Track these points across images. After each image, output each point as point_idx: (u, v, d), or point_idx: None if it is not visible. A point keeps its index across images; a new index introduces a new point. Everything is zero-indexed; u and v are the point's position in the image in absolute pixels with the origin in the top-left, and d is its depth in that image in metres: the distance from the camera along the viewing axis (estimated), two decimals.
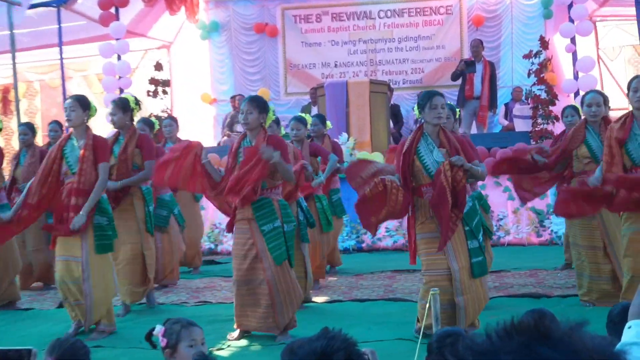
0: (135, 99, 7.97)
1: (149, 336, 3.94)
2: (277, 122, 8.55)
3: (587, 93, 7.39)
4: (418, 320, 6.21)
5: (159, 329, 3.90)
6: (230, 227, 6.58)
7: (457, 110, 8.04)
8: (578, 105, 8.29)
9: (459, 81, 14.81)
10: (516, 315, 1.28)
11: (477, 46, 14.62)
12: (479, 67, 14.42)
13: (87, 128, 6.88)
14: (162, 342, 3.82)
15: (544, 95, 14.47)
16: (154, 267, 8.16)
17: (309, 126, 8.97)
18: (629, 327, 2.03)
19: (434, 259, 6.03)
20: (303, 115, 8.99)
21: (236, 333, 6.54)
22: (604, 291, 7.19)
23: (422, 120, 6.17)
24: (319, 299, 8.15)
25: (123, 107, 7.81)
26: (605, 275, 7.21)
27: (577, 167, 7.32)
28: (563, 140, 7.49)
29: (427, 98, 6.09)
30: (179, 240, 9.35)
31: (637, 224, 6.34)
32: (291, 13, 17.98)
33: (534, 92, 14.64)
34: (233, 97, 16.31)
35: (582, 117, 7.47)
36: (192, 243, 10.35)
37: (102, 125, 14.73)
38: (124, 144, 7.78)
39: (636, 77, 6.38)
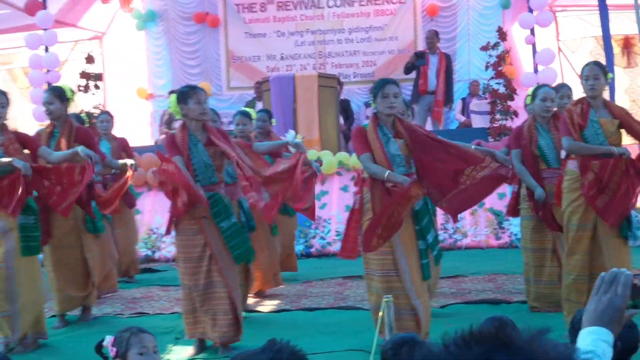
0: (71, 89, 7.83)
1: (99, 348, 3.93)
2: (242, 113, 8.58)
3: (541, 86, 7.49)
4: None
5: (108, 339, 3.89)
6: (170, 230, 6.49)
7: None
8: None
9: (414, 75, 14.88)
10: (475, 323, 1.28)
11: (432, 37, 14.68)
12: (434, 60, 14.49)
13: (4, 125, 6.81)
14: (112, 352, 3.82)
15: (502, 89, 14.61)
16: (98, 271, 8.06)
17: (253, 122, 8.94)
18: (584, 335, 2.05)
19: (384, 258, 6.04)
20: (248, 109, 8.96)
21: (192, 348, 6.48)
22: (551, 295, 7.30)
23: (376, 110, 6.20)
24: (265, 308, 8.13)
25: (60, 96, 7.61)
26: (552, 278, 7.31)
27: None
28: (517, 141, 7.46)
29: (379, 87, 6.13)
30: (110, 244, 9.16)
31: (583, 221, 6.42)
32: (234, 2, 17.91)
33: (491, 86, 14.77)
34: (171, 92, 16.18)
35: (531, 114, 7.52)
36: (126, 250, 10.22)
37: (27, 122, 14.53)
38: (59, 138, 7.57)
39: (587, 64, 6.53)
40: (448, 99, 14.63)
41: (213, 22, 17.87)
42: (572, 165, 6.53)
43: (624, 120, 6.37)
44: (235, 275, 6.38)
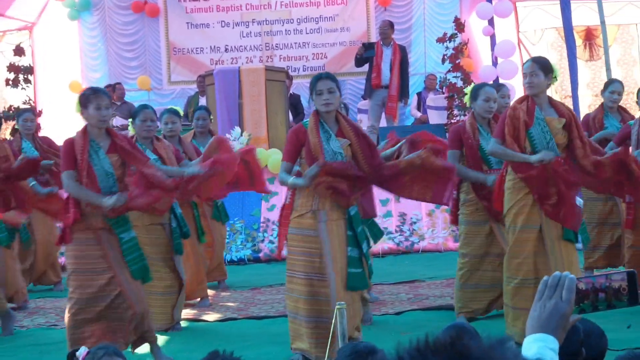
0: None
1: (71, 358, 3.93)
2: (170, 111, 8.53)
3: (481, 86, 7.51)
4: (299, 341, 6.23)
5: (82, 351, 3.92)
6: (66, 239, 6.24)
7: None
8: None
9: (367, 68, 14.88)
10: (432, 332, 1.28)
11: (386, 28, 14.65)
12: (388, 52, 14.47)
13: None
14: None
15: (459, 83, 14.70)
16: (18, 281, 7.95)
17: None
18: (530, 342, 2.07)
19: (312, 260, 6.05)
20: (175, 107, 8.91)
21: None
22: (472, 301, 7.35)
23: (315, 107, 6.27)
24: (209, 317, 8.09)
25: None
26: (481, 282, 7.36)
27: None
28: (457, 141, 7.45)
29: (313, 83, 6.20)
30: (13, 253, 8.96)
31: (528, 222, 6.48)
32: None
33: (449, 80, 14.86)
34: (109, 87, 16.04)
35: (471, 112, 7.57)
36: (46, 256, 10.10)
37: None
38: None
39: (527, 61, 6.62)
40: (403, 93, 14.61)
41: (152, 12, 17.75)
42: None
43: (569, 120, 6.42)
44: (137, 287, 6.30)
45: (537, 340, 2.04)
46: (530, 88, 6.49)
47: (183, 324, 7.83)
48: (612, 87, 8.98)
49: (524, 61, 6.69)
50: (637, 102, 8.74)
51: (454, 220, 7.78)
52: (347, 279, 6.07)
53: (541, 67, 6.47)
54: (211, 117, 9.55)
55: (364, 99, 15.61)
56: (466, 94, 7.57)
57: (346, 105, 8.30)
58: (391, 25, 14.72)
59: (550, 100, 6.58)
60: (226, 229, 10.11)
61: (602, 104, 9.08)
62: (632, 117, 8.84)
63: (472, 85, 7.70)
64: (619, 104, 9.10)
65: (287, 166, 6.17)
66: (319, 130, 6.13)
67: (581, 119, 9.11)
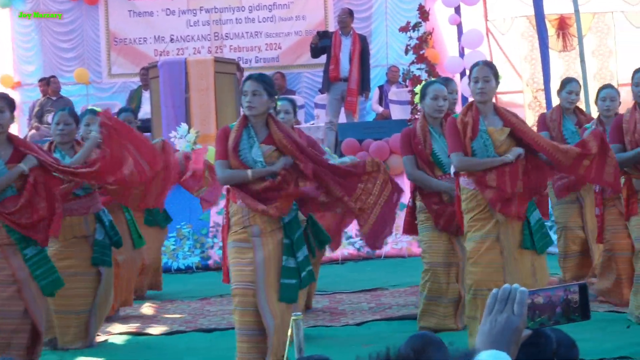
0: None
1: None
2: (92, 112, 8.42)
3: (430, 83, 7.53)
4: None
5: None
6: None
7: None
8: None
9: (324, 60, 14.86)
10: (394, 344, 1.28)
11: (345, 17, 14.61)
12: (347, 43, 14.43)
13: None
14: None
15: (424, 75, 14.75)
16: None
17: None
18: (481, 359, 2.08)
19: (242, 269, 6.14)
20: (95, 107, 8.84)
21: None
22: (425, 312, 7.41)
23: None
24: (154, 330, 8.05)
25: None
26: (436, 294, 7.40)
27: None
28: (408, 146, 7.47)
29: (242, 83, 6.32)
30: None
31: (484, 230, 6.53)
32: None
33: (412, 72, 14.91)
34: (43, 80, 15.91)
35: (422, 113, 7.60)
36: None
37: None
38: None
39: (476, 64, 6.64)
40: (363, 87, 14.61)
41: None
42: (464, 182, 6.58)
43: (515, 128, 6.40)
44: (43, 303, 6.31)
45: (489, 357, 2.05)
46: (483, 95, 6.46)
47: (125, 337, 7.80)
48: (570, 87, 8.93)
49: (473, 64, 6.64)
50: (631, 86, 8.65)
51: (409, 230, 7.81)
52: (280, 289, 6.14)
53: (494, 73, 6.50)
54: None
55: (322, 93, 15.59)
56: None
57: (293, 101, 8.26)
58: (350, 13, 14.70)
59: (495, 108, 6.55)
60: (166, 234, 10.05)
61: (559, 104, 9.05)
62: (589, 120, 8.85)
63: (422, 83, 7.73)
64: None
65: (224, 163, 6.25)
66: (240, 136, 6.24)
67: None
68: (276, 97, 6.47)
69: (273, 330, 6.03)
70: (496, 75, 6.48)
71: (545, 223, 6.82)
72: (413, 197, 7.59)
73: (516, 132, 6.40)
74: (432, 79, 7.89)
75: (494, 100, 6.70)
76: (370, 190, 6.46)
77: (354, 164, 6.72)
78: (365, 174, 6.46)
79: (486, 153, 6.40)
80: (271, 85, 6.30)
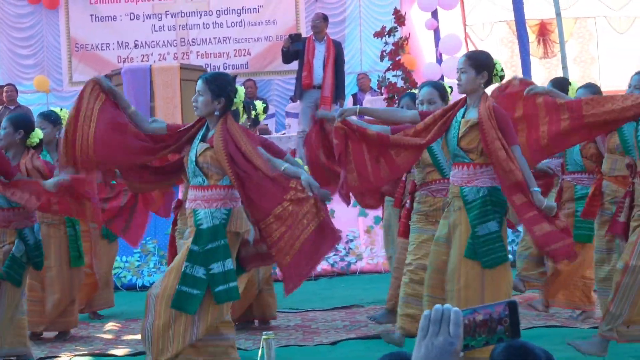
0: None
1: None
2: (51, 120, 8.37)
3: (421, 85, 7.65)
4: None
5: None
6: None
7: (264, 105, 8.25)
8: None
9: (297, 66, 14.78)
10: None
11: (319, 21, 14.55)
12: (321, 48, 14.37)
13: None
14: None
15: (400, 83, 14.77)
16: None
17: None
18: None
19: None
20: (53, 110, 8.79)
21: None
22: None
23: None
24: (118, 351, 7.98)
25: None
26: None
27: (419, 178, 7.55)
28: None
29: None
30: None
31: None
32: None
33: (388, 79, 14.91)
34: (0, 88, 15.81)
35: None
36: None
37: None
38: None
39: (420, 86, 6.87)
40: (338, 94, 14.57)
41: (51, 3, 17.55)
42: None
43: (481, 123, 6.44)
44: None
45: None
46: (458, 86, 6.65)
47: (87, 359, 7.73)
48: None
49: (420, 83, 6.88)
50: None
51: (405, 233, 7.83)
52: (174, 295, 6.20)
53: (473, 64, 6.59)
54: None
55: (294, 101, 15.55)
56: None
57: (251, 105, 8.28)
58: (325, 18, 14.65)
59: (482, 99, 6.62)
60: (116, 248, 9.95)
61: None
62: None
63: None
64: None
65: None
66: (195, 134, 6.46)
67: None
68: (235, 99, 6.48)
69: (151, 331, 6.19)
70: (477, 66, 6.59)
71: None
72: (411, 199, 7.62)
73: (479, 128, 6.46)
74: (422, 83, 7.92)
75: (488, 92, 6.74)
76: (296, 214, 6.40)
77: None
78: (291, 190, 6.40)
79: (452, 143, 6.55)
80: (221, 86, 6.39)
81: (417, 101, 7.39)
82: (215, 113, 6.37)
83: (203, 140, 6.36)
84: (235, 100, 6.48)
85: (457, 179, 6.58)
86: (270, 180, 6.28)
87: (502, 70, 6.71)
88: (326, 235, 6.47)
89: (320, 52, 14.18)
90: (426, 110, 7.03)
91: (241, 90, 6.63)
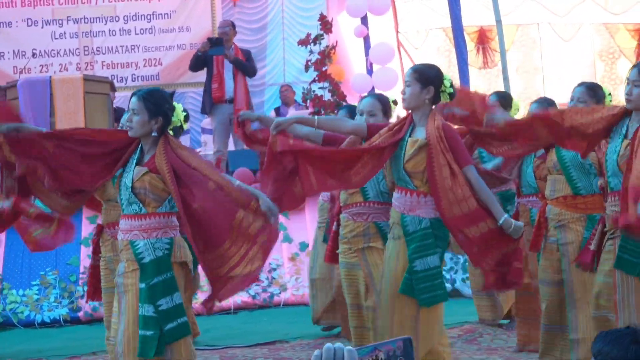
0: None
1: None
2: None
3: (363, 98, 7.72)
4: None
5: None
6: None
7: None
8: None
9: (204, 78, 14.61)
10: None
11: (228, 28, 14.50)
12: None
13: None
14: None
15: (327, 95, 14.81)
16: None
17: None
18: None
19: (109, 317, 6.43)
20: None
21: None
22: None
23: None
24: None
25: None
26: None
27: (343, 199, 7.60)
28: None
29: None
30: None
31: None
32: None
33: (313, 91, 14.95)
34: None
35: None
36: None
37: None
38: None
39: (361, 98, 6.93)
40: (252, 108, 14.62)
41: None
42: None
43: (429, 146, 6.52)
44: None
45: None
46: (403, 101, 6.74)
47: None
48: None
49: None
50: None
51: (332, 258, 7.87)
52: (139, 342, 6.19)
53: (419, 77, 6.69)
54: None
55: (202, 114, 15.33)
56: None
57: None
58: (233, 25, 14.65)
59: (430, 117, 6.68)
60: None
61: None
62: None
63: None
64: None
65: None
66: (130, 156, 6.40)
67: None
68: (172, 117, 6.45)
69: None
70: (424, 80, 6.69)
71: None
72: (338, 222, 7.64)
73: (428, 148, 6.51)
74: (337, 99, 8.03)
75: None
76: (245, 231, 6.39)
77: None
78: (249, 209, 6.38)
79: (397, 164, 6.61)
80: (158, 104, 6.33)
81: (356, 111, 7.42)
82: (153, 134, 6.33)
83: (139, 163, 6.31)
84: (173, 119, 6.44)
85: (399, 204, 6.63)
86: (227, 193, 6.26)
87: (451, 86, 6.76)
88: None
89: (229, 62, 14.11)
90: (375, 123, 7.05)
91: (179, 107, 6.58)
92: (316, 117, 7.27)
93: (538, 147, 7.42)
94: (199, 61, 14.27)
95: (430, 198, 6.50)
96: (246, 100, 14.15)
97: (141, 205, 6.23)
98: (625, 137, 6.42)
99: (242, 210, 6.24)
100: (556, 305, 7.48)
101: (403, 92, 6.70)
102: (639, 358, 3.41)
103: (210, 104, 14.21)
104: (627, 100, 6.43)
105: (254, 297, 11.75)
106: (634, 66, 6.52)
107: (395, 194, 6.68)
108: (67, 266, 11.78)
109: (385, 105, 7.45)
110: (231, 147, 14.49)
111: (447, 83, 6.72)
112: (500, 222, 6.45)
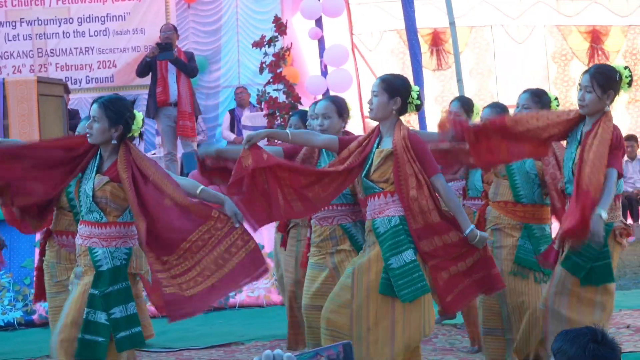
0: None
1: None
2: None
3: (317, 101, 7.77)
4: None
5: None
6: None
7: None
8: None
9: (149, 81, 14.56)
10: None
11: (171, 32, 14.44)
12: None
13: None
14: None
15: (282, 97, 14.83)
16: None
17: None
18: None
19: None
20: None
21: None
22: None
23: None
24: None
25: None
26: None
27: None
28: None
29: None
30: None
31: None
32: None
33: (268, 93, 14.96)
34: None
35: None
36: None
37: None
38: None
39: (315, 102, 7.10)
40: (198, 109, 14.60)
41: None
42: None
43: (395, 156, 6.56)
44: None
45: None
46: (369, 111, 6.77)
47: None
48: None
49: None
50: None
51: (306, 264, 7.91)
52: (78, 346, 6.20)
53: (387, 87, 6.69)
54: None
55: (148, 118, 15.28)
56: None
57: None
58: (175, 29, 14.73)
59: (397, 127, 6.71)
60: None
61: None
62: None
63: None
64: None
65: None
66: (87, 162, 6.42)
67: None
68: (132, 125, 6.46)
69: None
70: (391, 91, 6.67)
71: None
72: (310, 227, 7.68)
73: (394, 161, 6.56)
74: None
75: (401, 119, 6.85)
76: (212, 247, 6.38)
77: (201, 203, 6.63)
78: (211, 220, 6.39)
79: (366, 174, 6.63)
80: (119, 112, 6.35)
81: (309, 114, 7.44)
82: (113, 141, 6.33)
83: (98, 171, 6.31)
84: (133, 127, 6.44)
85: (370, 212, 6.65)
86: (183, 209, 6.26)
87: (418, 98, 6.78)
88: (255, 264, 6.46)
89: (172, 65, 14.10)
90: (346, 137, 7.07)
91: (139, 116, 6.56)
92: (289, 131, 7.22)
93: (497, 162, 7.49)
94: (146, 67, 14.29)
95: (397, 196, 6.53)
96: (191, 102, 14.17)
97: (102, 213, 6.25)
98: (580, 143, 6.53)
99: (202, 226, 6.26)
100: (491, 309, 7.56)
101: (370, 102, 6.71)
102: (597, 356, 3.50)
103: (154, 108, 14.18)
104: (580, 106, 6.55)
105: None
106: (585, 72, 6.63)
107: (367, 206, 6.70)
108: (21, 269, 11.73)
109: (340, 107, 7.41)
110: (179, 149, 14.50)
111: (414, 95, 6.73)
112: (466, 232, 6.50)
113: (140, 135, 6.66)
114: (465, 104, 8.96)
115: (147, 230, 6.17)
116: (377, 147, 6.65)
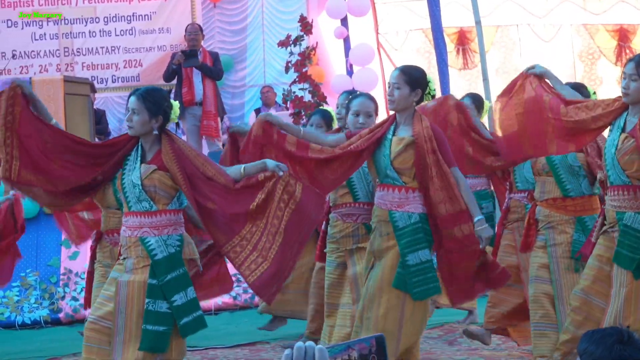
0: None
1: None
2: None
3: (355, 96, 7.72)
4: None
5: None
6: None
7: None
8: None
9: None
10: None
11: (196, 33, 14.52)
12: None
13: None
14: None
15: (307, 97, 14.82)
16: None
17: None
18: None
19: (103, 304, 6.40)
20: None
21: None
22: None
23: None
24: None
25: None
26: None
27: (332, 199, 7.62)
28: None
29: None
30: None
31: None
32: None
33: (294, 92, 14.95)
34: None
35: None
36: None
37: None
38: None
39: (395, 69, 7.00)
40: (223, 109, 14.61)
41: None
42: None
43: (418, 144, 6.64)
44: None
45: None
46: (390, 103, 6.80)
47: None
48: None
49: (392, 70, 6.94)
50: None
51: (320, 257, 7.93)
52: (142, 337, 6.21)
53: (408, 80, 6.72)
54: None
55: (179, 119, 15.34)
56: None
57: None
58: (201, 29, 14.76)
59: (415, 117, 6.76)
60: None
61: None
62: None
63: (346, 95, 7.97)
64: None
65: None
66: (130, 156, 6.42)
67: None
68: (171, 115, 6.52)
69: None
70: (412, 83, 6.80)
71: None
72: (327, 220, 7.67)
73: (415, 146, 6.59)
74: (359, 93, 8.04)
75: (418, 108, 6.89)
76: (267, 216, 6.36)
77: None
78: (258, 184, 6.37)
79: (384, 165, 6.67)
80: (157, 103, 6.38)
81: (350, 113, 7.36)
82: (154, 132, 6.37)
83: (142, 161, 6.34)
84: (171, 116, 6.48)
85: (385, 202, 6.66)
86: (235, 193, 6.29)
87: (434, 89, 6.86)
88: (311, 200, 6.43)
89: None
90: (353, 131, 7.07)
91: (176, 105, 6.60)
92: (301, 128, 7.28)
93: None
94: (173, 73, 14.35)
95: (419, 194, 6.58)
96: (215, 102, 14.19)
97: (151, 202, 6.28)
98: (623, 130, 6.50)
99: (257, 197, 6.28)
100: (543, 306, 7.51)
101: (392, 94, 6.74)
102: (623, 357, 3.49)
103: (181, 108, 14.13)
104: (625, 94, 6.50)
105: (235, 298, 11.75)
106: (630, 60, 6.58)
107: (379, 192, 6.73)
108: (47, 267, 11.77)
109: (376, 105, 7.49)
110: (206, 148, 14.53)
111: (431, 86, 6.85)
112: (475, 219, 6.53)
113: (177, 124, 6.74)
114: (476, 101, 9.00)
115: (208, 216, 6.28)
116: (394, 135, 6.69)
